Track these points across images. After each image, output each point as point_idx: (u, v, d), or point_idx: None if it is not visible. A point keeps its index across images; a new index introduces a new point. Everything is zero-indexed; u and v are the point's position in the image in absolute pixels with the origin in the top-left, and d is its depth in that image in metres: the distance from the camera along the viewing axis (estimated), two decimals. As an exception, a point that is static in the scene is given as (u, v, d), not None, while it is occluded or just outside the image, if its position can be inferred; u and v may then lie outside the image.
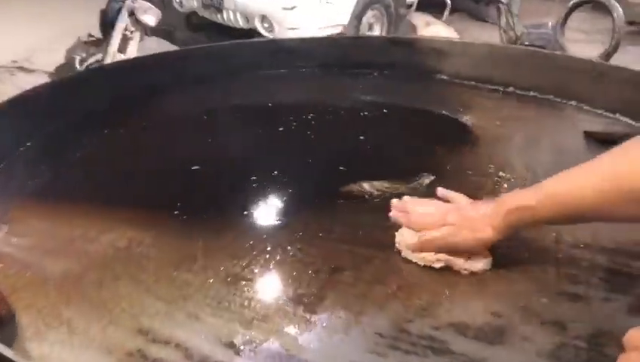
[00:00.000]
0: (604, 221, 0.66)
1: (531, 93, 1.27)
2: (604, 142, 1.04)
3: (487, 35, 4.80)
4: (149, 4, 3.27)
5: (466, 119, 1.17)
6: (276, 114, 1.21)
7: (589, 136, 1.07)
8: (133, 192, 0.88)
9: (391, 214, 0.76)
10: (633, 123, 1.12)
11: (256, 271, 0.70)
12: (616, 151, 0.64)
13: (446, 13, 3.57)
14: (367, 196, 0.87)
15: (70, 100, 1.10)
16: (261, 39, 1.39)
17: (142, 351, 0.57)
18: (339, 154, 1.01)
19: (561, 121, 1.17)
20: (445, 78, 1.36)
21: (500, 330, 0.60)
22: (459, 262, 0.68)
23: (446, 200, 0.75)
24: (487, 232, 0.67)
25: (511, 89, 1.31)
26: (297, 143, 1.07)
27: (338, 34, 4.33)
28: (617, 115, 1.15)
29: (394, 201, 0.78)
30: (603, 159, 0.64)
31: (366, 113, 1.20)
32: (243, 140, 1.09)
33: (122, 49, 3.24)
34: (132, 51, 3.23)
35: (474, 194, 0.82)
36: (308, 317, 0.62)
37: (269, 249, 0.74)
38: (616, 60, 1.29)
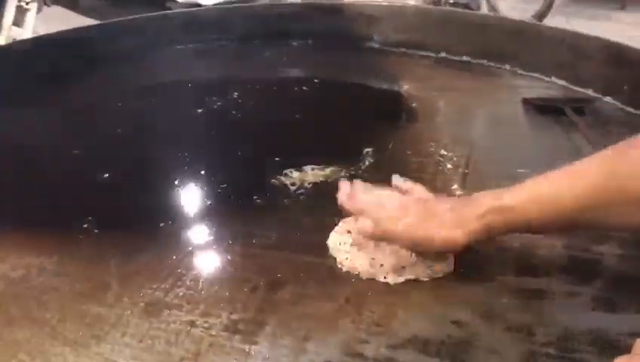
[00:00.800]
0: (591, 228, 0.60)
1: (464, 58, 1.22)
2: (542, 109, 1.00)
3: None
4: (45, -31, 3.00)
5: (401, 90, 1.10)
6: (196, 93, 1.10)
7: (528, 103, 1.03)
8: (26, 205, 0.76)
9: (340, 201, 0.66)
10: (570, 86, 1.09)
11: (181, 294, 0.60)
12: (613, 151, 0.57)
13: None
14: (302, 189, 0.78)
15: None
16: (174, 11, 1.24)
17: (47, 418, 0.47)
18: (266, 138, 0.92)
19: (497, 88, 1.12)
20: (373, 45, 1.28)
21: (465, 343, 0.54)
22: (419, 269, 0.61)
23: (402, 192, 0.67)
24: (457, 234, 0.58)
25: (443, 54, 1.24)
26: (221, 127, 0.96)
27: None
28: (553, 78, 1.11)
29: (342, 185, 0.68)
30: (595, 160, 0.57)
31: (294, 88, 1.11)
32: (159, 128, 0.98)
33: (19, 21, 2.97)
34: (30, 24, 2.97)
35: (415, 177, 0.75)
36: (247, 350, 0.53)
37: (194, 265, 0.64)
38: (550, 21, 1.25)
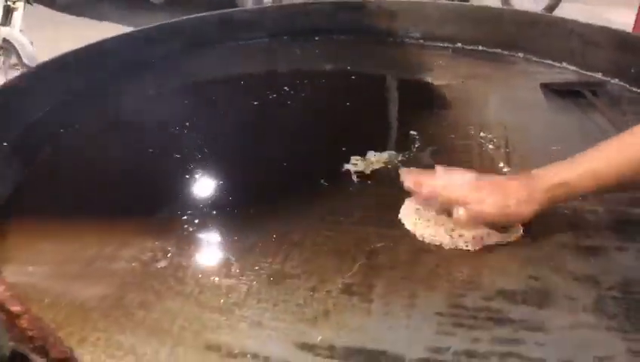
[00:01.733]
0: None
1: (480, 48, 1.33)
2: (560, 92, 1.12)
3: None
4: (30, -31, 3.00)
5: (428, 79, 1.20)
6: (238, 91, 1.18)
7: (546, 87, 1.14)
8: (128, 198, 0.84)
9: (410, 187, 0.76)
10: (580, 70, 1.21)
11: (295, 265, 0.70)
12: None
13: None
14: (365, 172, 0.88)
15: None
16: (203, 14, 1.32)
17: (222, 368, 0.56)
18: (317, 130, 1.02)
19: (515, 75, 1.23)
20: (395, 39, 1.38)
21: (544, 292, 0.65)
22: (494, 236, 0.72)
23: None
24: (529, 208, 0.70)
25: (459, 45, 1.35)
26: (270, 121, 1.05)
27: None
28: (564, 64, 1.23)
29: (406, 171, 0.79)
30: (635, 134, 0.69)
31: (326, 82, 1.20)
32: (217, 123, 1.06)
33: (6, 21, 2.97)
34: (17, 22, 2.97)
35: (465, 158, 0.87)
36: (367, 307, 0.64)
37: (296, 241, 0.74)
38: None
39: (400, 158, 0.91)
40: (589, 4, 4.35)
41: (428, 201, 0.75)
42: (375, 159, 0.91)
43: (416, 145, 0.95)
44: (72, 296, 0.65)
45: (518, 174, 0.76)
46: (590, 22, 1.21)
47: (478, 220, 0.71)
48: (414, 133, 0.98)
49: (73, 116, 1.05)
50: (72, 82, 1.10)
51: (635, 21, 3.06)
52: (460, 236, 0.72)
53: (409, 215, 0.77)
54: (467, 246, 0.72)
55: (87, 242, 0.74)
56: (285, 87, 1.14)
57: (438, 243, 0.73)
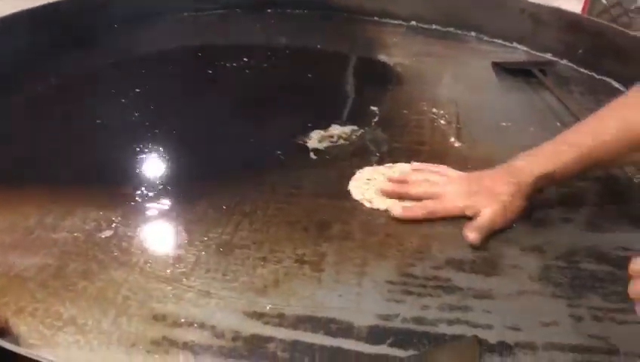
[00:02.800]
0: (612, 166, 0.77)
1: (434, 27, 1.33)
2: (511, 70, 1.14)
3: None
4: None
5: (382, 57, 1.20)
6: (190, 62, 1.15)
7: (497, 66, 1.16)
8: (72, 168, 0.81)
9: (385, 188, 0.76)
10: (530, 50, 1.23)
11: (245, 235, 0.69)
12: (620, 104, 0.71)
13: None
14: (320, 147, 0.87)
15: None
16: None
17: (167, 337, 0.55)
18: (271, 104, 1.00)
19: (468, 53, 1.24)
20: (349, 15, 1.37)
21: (491, 261, 0.66)
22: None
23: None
24: (523, 202, 0.71)
25: (413, 23, 1.35)
26: (224, 94, 1.03)
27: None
28: (515, 44, 1.25)
29: (393, 178, 0.78)
30: (608, 115, 0.71)
31: (279, 56, 1.18)
32: (168, 94, 1.03)
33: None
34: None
35: (417, 132, 0.87)
36: (318, 276, 0.63)
37: (247, 211, 0.73)
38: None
39: (360, 132, 0.91)
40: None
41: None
42: (337, 132, 0.90)
43: (374, 120, 0.95)
44: (8, 265, 0.62)
45: (503, 169, 0.74)
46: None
47: (482, 231, 0.69)
48: (374, 108, 0.98)
49: (15, 80, 1.00)
50: (16, 45, 1.05)
51: (584, 4, 3.14)
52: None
53: (358, 186, 0.77)
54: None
55: (26, 211, 0.70)
56: (237, 61, 1.11)
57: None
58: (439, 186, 0.74)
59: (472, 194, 0.72)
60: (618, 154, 0.71)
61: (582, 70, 1.15)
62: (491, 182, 0.72)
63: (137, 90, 1.00)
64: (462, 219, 0.72)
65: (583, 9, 3.03)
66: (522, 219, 0.73)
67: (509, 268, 0.65)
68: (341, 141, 0.88)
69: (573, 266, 0.66)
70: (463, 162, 0.82)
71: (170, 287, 0.61)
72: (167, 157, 0.83)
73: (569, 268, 0.66)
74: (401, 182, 0.76)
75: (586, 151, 0.70)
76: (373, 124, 0.94)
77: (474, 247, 0.68)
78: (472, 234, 0.68)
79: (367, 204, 0.74)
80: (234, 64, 1.12)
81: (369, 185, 0.77)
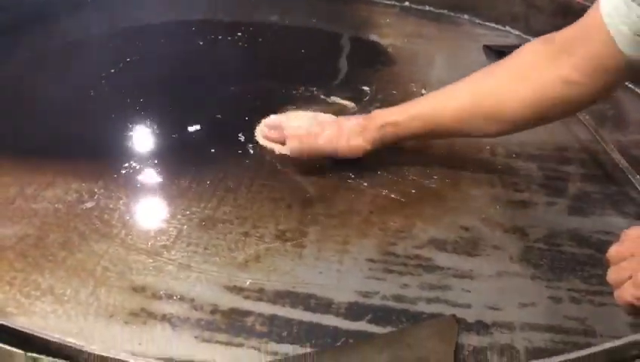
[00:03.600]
0: (461, 137, 0.76)
1: (427, 8, 1.32)
2: (502, 54, 1.13)
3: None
4: None
5: (375, 38, 1.19)
6: (178, 36, 1.13)
7: (489, 49, 1.15)
8: (54, 139, 0.79)
9: (264, 134, 0.80)
10: (523, 35, 1.22)
11: (228, 211, 0.68)
12: (482, 71, 0.72)
13: None
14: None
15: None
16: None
17: (145, 309, 0.55)
18: (262, 79, 0.99)
19: (460, 36, 1.23)
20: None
21: (473, 242, 0.66)
22: None
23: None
24: (358, 141, 0.73)
25: (407, 4, 1.34)
26: (211, 68, 1.02)
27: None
28: (507, 28, 1.24)
29: (268, 120, 0.82)
30: (466, 81, 0.72)
31: (271, 34, 1.17)
32: (153, 68, 1.02)
33: None
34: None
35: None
36: (299, 252, 0.63)
37: (231, 187, 0.72)
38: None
39: (353, 107, 0.90)
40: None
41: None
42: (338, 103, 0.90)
43: (364, 100, 0.94)
44: (-14, 235, 0.61)
45: (364, 115, 0.78)
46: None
47: (309, 152, 0.74)
48: (364, 88, 0.97)
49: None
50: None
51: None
52: None
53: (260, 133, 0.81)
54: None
55: (6, 182, 0.70)
56: (227, 36, 1.10)
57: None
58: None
59: (320, 122, 0.76)
60: (468, 123, 0.71)
61: (573, 55, 1.15)
62: (343, 118, 0.77)
63: (125, 62, 0.98)
64: (448, 202, 0.72)
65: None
66: (506, 201, 0.73)
67: (490, 248, 0.66)
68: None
69: (555, 249, 0.66)
70: (449, 145, 0.82)
71: (150, 260, 0.60)
72: (152, 131, 0.82)
73: (550, 250, 0.66)
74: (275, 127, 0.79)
75: (431, 112, 0.72)
76: (362, 102, 0.93)
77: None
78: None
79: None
80: (225, 38, 1.10)
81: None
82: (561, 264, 0.64)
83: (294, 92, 0.93)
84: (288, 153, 0.75)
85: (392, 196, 0.72)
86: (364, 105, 0.91)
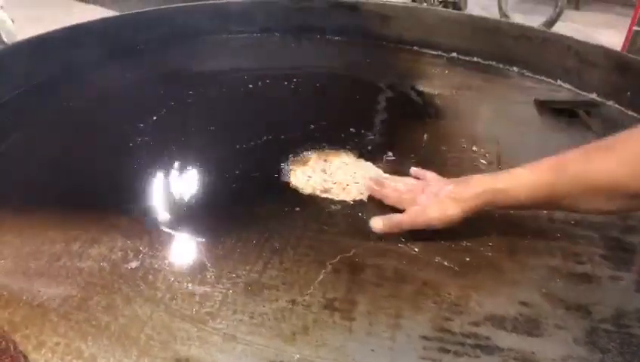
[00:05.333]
0: (569, 211, 0.70)
1: (475, 59, 1.30)
2: (553, 109, 1.10)
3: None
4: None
5: (422, 88, 1.17)
6: (221, 84, 1.14)
7: (540, 104, 1.12)
8: (99, 192, 0.79)
9: (367, 189, 0.80)
10: (575, 90, 1.19)
11: (274, 275, 0.66)
12: (593, 148, 0.66)
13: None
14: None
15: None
16: (195, 3, 1.27)
17: (190, 384, 0.52)
18: (306, 130, 0.97)
19: (509, 89, 1.21)
20: (389, 43, 1.35)
21: (534, 320, 0.62)
22: None
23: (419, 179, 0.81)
24: (455, 210, 0.70)
25: (454, 55, 1.32)
26: (254, 118, 1.01)
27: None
28: (559, 82, 1.21)
29: (370, 178, 0.81)
30: (577, 155, 0.67)
31: (315, 82, 1.16)
32: (196, 116, 1.02)
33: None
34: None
35: (453, 171, 0.84)
36: (349, 326, 0.60)
37: (277, 248, 0.70)
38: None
39: (400, 166, 0.88)
40: (577, 22, 4.38)
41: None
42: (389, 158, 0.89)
43: (411, 156, 0.92)
44: (31, 294, 0.60)
45: (466, 177, 0.74)
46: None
47: (398, 229, 0.72)
48: (411, 143, 0.95)
49: (44, 100, 1.00)
50: (48, 65, 1.05)
51: (625, 41, 3.10)
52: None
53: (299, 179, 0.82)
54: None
55: (53, 237, 0.69)
56: (272, 85, 1.10)
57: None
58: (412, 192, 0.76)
59: (415, 191, 0.76)
60: (575, 194, 0.66)
61: (630, 113, 1.11)
62: (437, 185, 0.75)
63: (162, 111, 0.98)
64: (504, 272, 0.68)
65: (624, 46, 2.99)
66: (567, 274, 0.69)
67: (552, 328, 0.61)
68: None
69: (623, 331, 0.61)
70: (504, 207, 0.78)
71: (195, 329, 0.58)
72: (196, 186, 0.81)
73: (618, 332, 0.61)
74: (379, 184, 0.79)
75: (542, 185, 0.67)
76: (410, 158, 0.90)
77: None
78: (377, 222, 0.73)
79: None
80: (263, 89, 1.10)
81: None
82: (632, 349, 0.59)
83: (341, 145, 0.91)
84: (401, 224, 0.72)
85: (446, 264, 0.69)
86: (417, 161, 0.89)
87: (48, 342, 0.55)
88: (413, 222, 0.71)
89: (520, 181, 0.69)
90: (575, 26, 4.37)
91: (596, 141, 0.67)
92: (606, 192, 0.64)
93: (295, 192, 0.81)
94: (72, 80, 1.09)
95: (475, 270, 0.69)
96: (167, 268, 0.66)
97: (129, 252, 0.67)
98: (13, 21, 2.73)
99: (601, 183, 0.64)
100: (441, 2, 2.09)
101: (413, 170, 0.84)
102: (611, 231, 0.77)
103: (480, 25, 1.29)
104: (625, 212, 0.69)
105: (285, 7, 1.35)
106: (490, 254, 0.71)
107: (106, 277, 0.64)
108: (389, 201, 0.77)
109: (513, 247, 0.72)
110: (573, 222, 0.78)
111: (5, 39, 2.63)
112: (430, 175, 0.81)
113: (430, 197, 0.73)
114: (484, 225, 0.75)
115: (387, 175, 0.84)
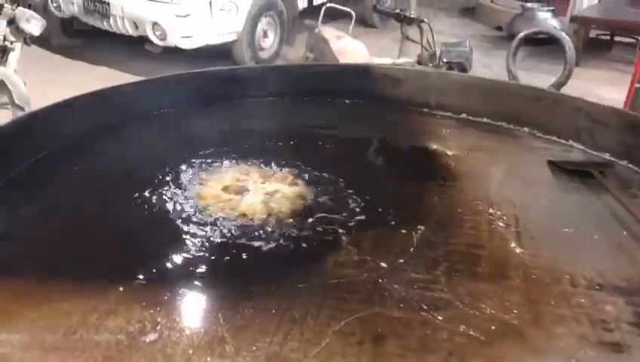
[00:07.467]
0: None
1: (484, 120, 1.31)
2: (567, 170, 1.10)
3: (383, 41, 4.99)
4: (32, 11, 3.00)
5: (434, 150, 1.18)
6: (237, 146, 1.14)
7: (553, 164, 1.12)
8: (114, 262, 0.78)
9: None
10: (587, 150, 1.19)
11: (295, 347, 0.64)
12: None
13: (351, 26, 3.60)
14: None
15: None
16: (208, 70, 1.30)
17: None
18: (320, 195, 0.97)
19: (522, 150, 1.21)
20: (399, 104, 1.36)
21: (566, 393, 0.60)
22: None
23: None
24: None
25: (463, 115, 1.34)
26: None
27: (233, 41, 4.28)
28: (570, 142, 1.21)
29: None
30: None
31: (328, 145, 1.17)
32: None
33: (1, 61, 2.96)
34: (13, 63, 2.95)
35: (473, 234, 0.83)
36: (376, 401, 0.58)
37: (297, 318, 0.69)
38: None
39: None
40: (578, 78, 4.46)
41: None
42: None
43: (428, 220, 0.91)
44: (48, 371, 0.59)
45: None
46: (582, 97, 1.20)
47: None
48: (426, 205, 0.95)
49: (60, 168, 1.00)
50: (66, 130, 1.06)
51: (626, 98, 3.14)
52: None
53: None
54: None
55: (68, 309, 0.68)
56: (286, 149, 1.10)
57: None
58: None
59: None
60: None
61: (644, 173, 1.10)
62: None
63: (177, 179, 0.99)
64: (531, 340, 0.66)
65: (626, 103, 3.03)
66: (596, 342, 0.67)
67: (585, 403, 0.59)
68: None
69: (660, 405, 0.59)
70: (526, 270, 0.77)
71: (216, 405, 0.56)
72: (214, 254, 0.80)
73: (655, 406, 0.59)
74: None
75: None
76: (428, 223, 0.90)
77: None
78: None
79: None
80: (275, 154, 1.09)
81: None
82: (670, 424, 0.57)
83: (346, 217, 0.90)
84: None
85: (471, 333, 0.67)
86: (433, 225, 0.88)
87: (65, 423, 0.53)
88: None
89: None
90: (576, 83, 4.44)
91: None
92: None
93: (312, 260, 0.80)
94: (83, 148, 1.09)
95: (501, 340, 0.67)
96: (186, 341, 0.64)
97: (146, 323, 0.66)
98: (25, 84, 2.79)
99: None
100: (446, 63, 2.13)
101: None
102: (637, 296, 0.75)
103: (488, 86, 1.31)
104: None
105: (295, 71, 1.37)
106: (515, 322, 0.70)
107: (123, 351, 0.62)
108: None
109: (537, 314, 0.71)
110: (597, 287, 0.76)
111: (18, 102, 2.67)
112: None
113: None
114: (505, 290, 0.74)
115: None
